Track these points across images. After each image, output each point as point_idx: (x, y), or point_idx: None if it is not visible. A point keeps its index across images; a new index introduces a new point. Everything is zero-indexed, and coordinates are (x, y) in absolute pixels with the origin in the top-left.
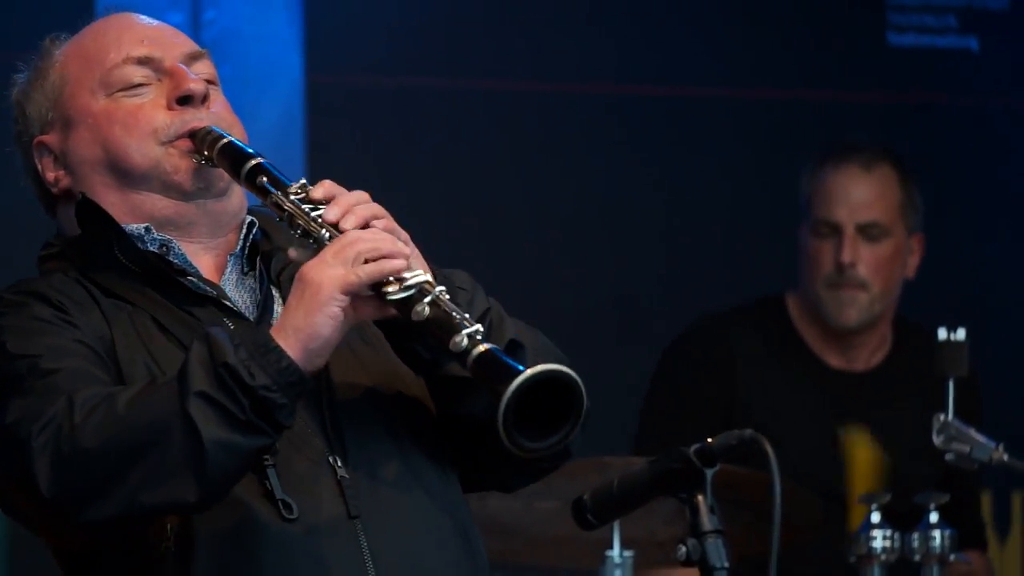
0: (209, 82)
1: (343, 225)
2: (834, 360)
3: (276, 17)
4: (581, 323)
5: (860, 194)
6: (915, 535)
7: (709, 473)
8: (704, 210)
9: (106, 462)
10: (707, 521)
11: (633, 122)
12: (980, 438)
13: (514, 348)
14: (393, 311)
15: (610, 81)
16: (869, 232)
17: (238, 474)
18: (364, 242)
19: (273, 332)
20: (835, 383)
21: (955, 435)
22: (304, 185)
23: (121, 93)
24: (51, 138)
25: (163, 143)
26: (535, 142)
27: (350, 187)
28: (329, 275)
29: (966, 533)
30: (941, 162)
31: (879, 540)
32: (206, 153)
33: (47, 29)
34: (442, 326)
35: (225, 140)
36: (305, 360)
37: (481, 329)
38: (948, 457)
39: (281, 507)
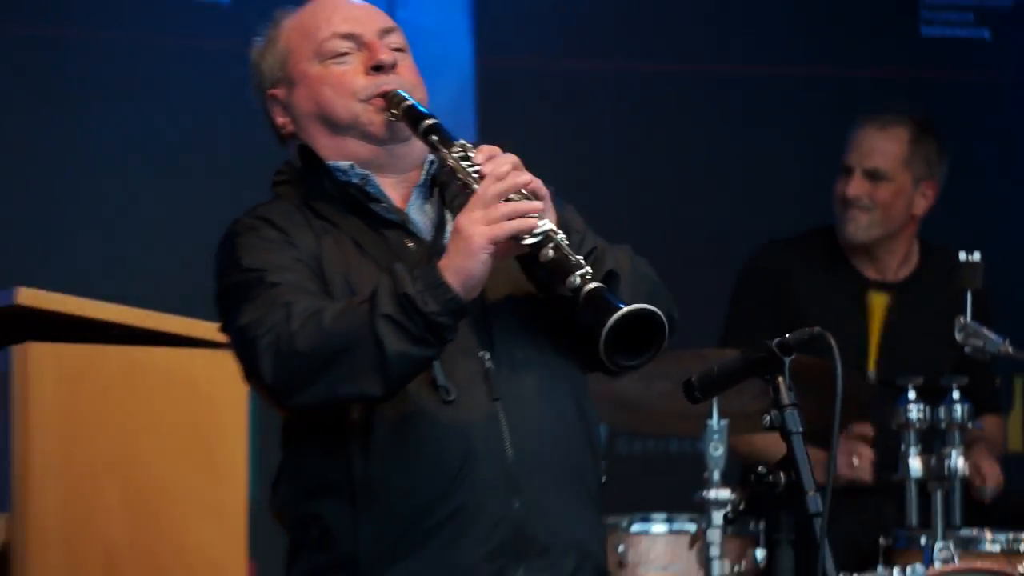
0: (399, 50)
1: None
2: (871, 272)
3: (450, 8)
4: (688, 253)
5: (869, 146)
6: (941, 408)
7: (787, 361)
8: (777, 166)
9: (313, 361)
10: (785, 397)
11: (725, 99)
12: (991, 335)
13: (610, 277)
14: (527, 250)
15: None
16: (873, 175)
17: (412, 376)
18: (507, 205)
19: (440, 268)
20: (868, 285)
21: (972, 333)
22: (464, 144)
23: (331, 61)
24: (279, 92)
25: (361, 101)
26: (663, 119)
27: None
28: (480, 231)
29: (984, 402)
30: (962, 127)
31: (914, 412)
32: (394, 111)
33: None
34: (561, 265)
35: (408, 103)
36: (464, 292)
37: (590, 271)
38: (967, 350)
39: (442, 392)
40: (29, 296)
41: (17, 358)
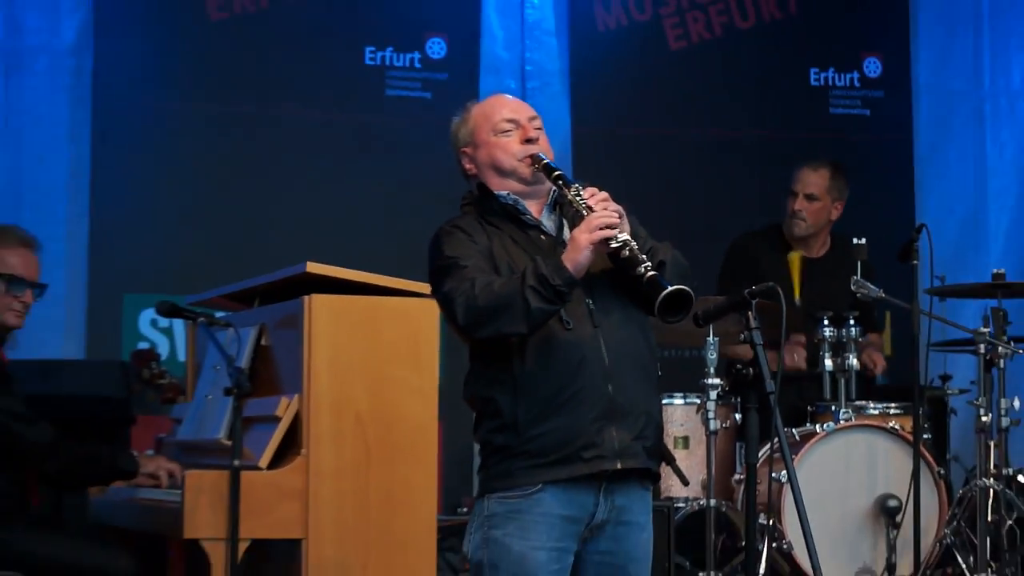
0: (539, 129)
1: (594, 208)
2: (803, 251)
3: (556, 95)
4: (703, 244)
5: (807, 179)
6: (843, 329)
7: (753, 302)
8: (749, 197)
9: (488, 312)
10: (752, 323)
11: (719, 155)
12: (872, 287)
13: (661, 265)
14: (612, 250)
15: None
16: (809, 197)
17: (544, 321)
18: (599, 219)
19: (562, 259)
20: (803, 261)
21: (861, 285)
22: (577, 187)
23: (501, 134)
24: (468, 150)
25: (518, 159)
26: (717, 175)
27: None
28: (584, 237)
29: (869, 325)
30: (853, 168)
31: (827, 332)
32: (536, 166)
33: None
34: (633, 260)
35: (545, 161)
36: (575, 272)
37: (651, 264)
38: (858, 295)
39: (564, 323)
40: (314, 267)
41: (306, 304)
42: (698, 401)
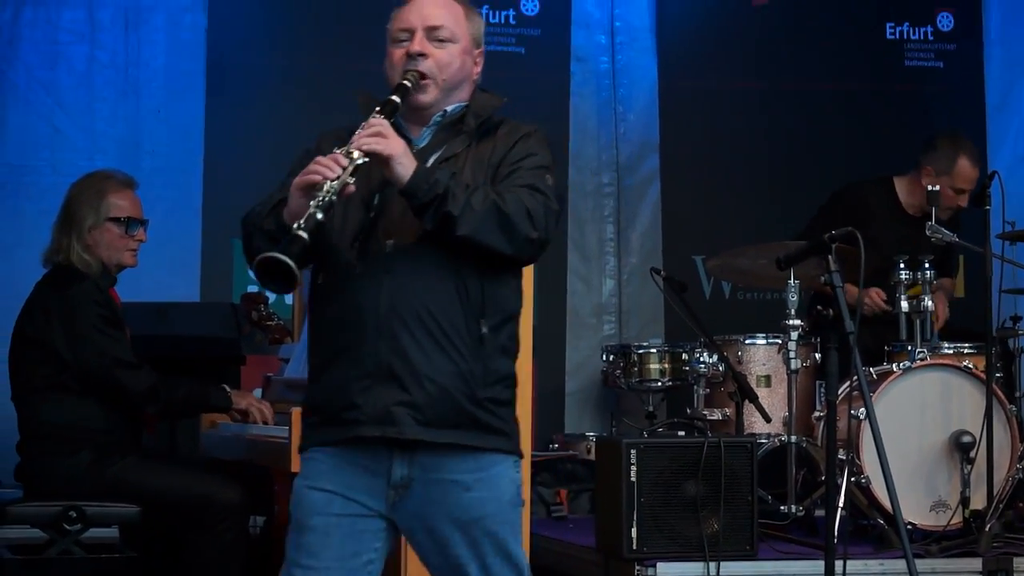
0: (441, 40)
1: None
2: (910, 210)
3: (643, 51)
4: (784, 195)
5: (969, 175)
6: (918, 272)
7: (833, 246)
8: (827, 146)
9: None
10: (832, 266)
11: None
12: (946, 231)
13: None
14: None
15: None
16: (961, 192)
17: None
18: (314, 164)
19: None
20: (906, 216)
21: (936, 231)
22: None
23: (394, 44)
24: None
25: (399, 75)
26: (798, 128)
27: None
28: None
29: (943, 270)
30: (925, 114)
31: (904, 274)
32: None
33: None
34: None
35: (406, 84)
36: (288, 217)
37: (306, 222)
38: (933, 240)
39: (353, 266)
40: None
41: None
42: (779, 341)
